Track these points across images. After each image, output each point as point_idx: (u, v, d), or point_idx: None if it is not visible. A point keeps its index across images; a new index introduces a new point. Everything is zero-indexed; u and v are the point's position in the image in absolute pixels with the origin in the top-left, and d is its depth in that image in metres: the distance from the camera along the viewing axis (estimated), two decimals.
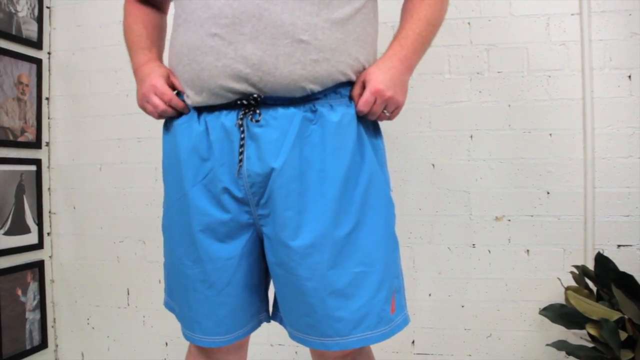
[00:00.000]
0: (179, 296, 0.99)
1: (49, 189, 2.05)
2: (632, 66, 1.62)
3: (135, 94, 1.01)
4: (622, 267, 1.42)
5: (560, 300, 1.54)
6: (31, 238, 1.94)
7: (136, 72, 1.01)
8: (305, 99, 0.87)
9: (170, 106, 0.94)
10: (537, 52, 1.68)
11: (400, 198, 1.75)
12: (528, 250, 1.69)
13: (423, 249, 1.76)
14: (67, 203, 2.04)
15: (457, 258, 1.74)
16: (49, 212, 2.05)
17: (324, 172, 0.87)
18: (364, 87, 0.90)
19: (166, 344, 1.96)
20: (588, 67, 1.63)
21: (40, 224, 1.98)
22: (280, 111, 0.87)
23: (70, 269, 2.04)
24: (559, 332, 1.61)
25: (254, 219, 0.92)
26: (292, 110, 0.87)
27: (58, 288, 2.06)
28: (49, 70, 2.05)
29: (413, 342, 1.78)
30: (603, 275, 1.43)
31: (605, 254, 1.47)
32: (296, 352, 1.82)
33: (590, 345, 1.42)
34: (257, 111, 0.86)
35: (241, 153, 0.87)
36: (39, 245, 1.98)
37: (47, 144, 2.04)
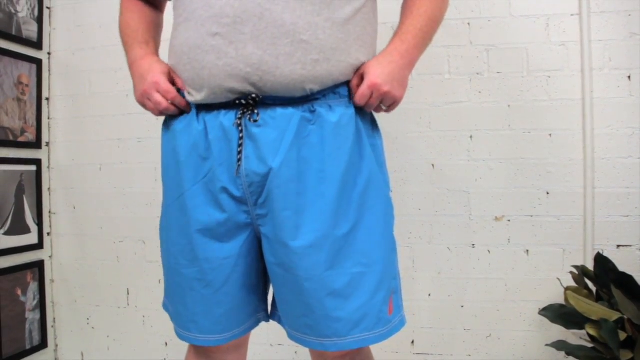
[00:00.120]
0: (175, 295, 0.99)
1: (49, 189, 2.05)
2: (632, 66, 1.62)
3: (134, 93, 1.00)
4: (621, 268, 1.42)
5: (560, 300, 1.54)
6: (31, 238, 1.94)
7: (132, 65, 1.00)
8: (304, 99, 0.87)
9: (172, 104, 0.94)
10: (537, 53, 1.68)
11: (400, 198, 1.75)
12: (528, 251, 1.70)
13: (423, 249, 1.76)
14: (67, 203, 2.04)
15: (456, 258, 1.74)
16: (49, 212, 2.05)
17: (322, 172, 0.87)
18: (362, 78, 0.90)
19: (166, 344, 1.96)
20: (588, 68, 1.63)
21: (40, 224, 1.99)
22: (279, 111, 0.87)
23: (70, 269, 2.05)
24: (559, 332, 1.61)
25: (252, 219, 0.92)
26: (290, 110, 0.87)
27: (58, 288, 2.06)
28: (49, 71, 2.05)
29: (413, 342, 1.78)
30: (602, 275, 1.43)
31: (605, 254, 1.47)
32: (296, 352, 1.83)
33: (590, 345, 1.42)
34: (256, 111, 0.87)
35: (240, 152, 0.87)
36: (39, 245, 1.98)
37: (47, 144, 2.05)
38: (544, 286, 1.68)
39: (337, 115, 0.88)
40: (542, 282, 1.68)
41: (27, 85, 1.93)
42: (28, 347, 1.90)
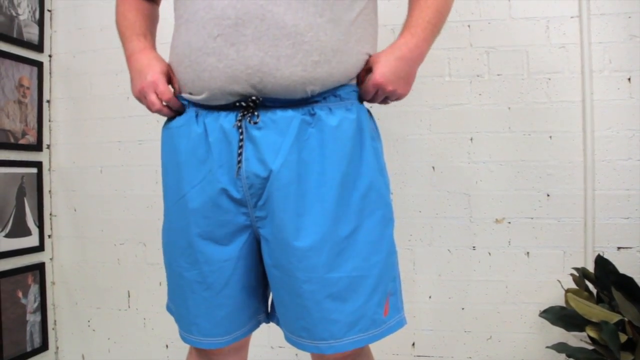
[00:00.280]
0: (177, 298, 0.99)
1: (49, 191, 2.05)
2: (632, 68, 1.62)
3: (131, 86, 0.99)
4: (622, 270, 1.42)
5: (561, 302, 1.54)
6: (32, 240, 1.94)
7: (130, 58, 0.99)
8: (304, 102, 0.87)
9: (167, 106, 0.94)
10: (537, 55, 1.68)
11: (401, 200, 1.75)
12: (528, 253, 1.69)
13: (423, 251, 1.76)
14: (67, 205, 2.05)
15: (457, 260, 1.74)
16: (50, 214, 2.05)
17: (322, 175, 0.87)
18: (368, 70, 0.91)
19: (167, 346, 1.96)
20: (588, 70, 1.64)
21: (41, 226, 1.99)
22: (279, 114, 0.87)
23: (70, 271, 2.05)
24: (559, 334, 1.61)
25: (251, 221, 0.92)
26: (290, 112, 0.87)
27: (59, 290, 2.06)
28: (50, 73, 2.05)
29: (413, 344, 1.78)
30: (603, 277, 1.43)
31: (605, 256, 1.47)
32: (296, 354, 1.83)
33: (590, 347, 1.42)
34: (256, 113, 0.87)
35: (240, 154, 0.87)
36: (40, 248, 1.98)
37: (48, 147, 2.05)
38: (544, 288, 1.68)
39: (337, 118, 0.88)
40: (543, 284, 1.68)
41: (28, 88, 1.93)
42: (29, 349, 1.90)
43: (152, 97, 0.93)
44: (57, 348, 2.07)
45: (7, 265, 1.83)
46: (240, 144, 0.87)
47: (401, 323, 0.96)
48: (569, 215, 1.66)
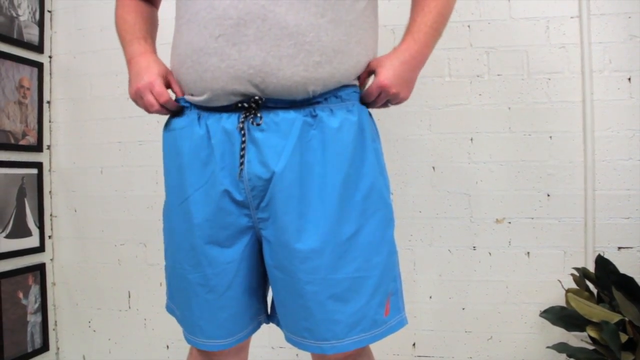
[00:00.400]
0: (180, 300, 1.00)
1: (50, 192, 2.05)
2: (632, 68, 1.62)
3: (128, 88, 0.99)
4: (622, 270, 1.42)
5: (561, 302, 1.54)
6: (32, 241, 1.94)
7: (131, 61, 0.99)
8: (306, 103, 0.88)
9: (163, 107, 0.94)
10: (537, 55, 1.68)
11: (401, 201, 1.75)
12: (528, 253, 1.69)
13: (424, 251, 1.76)
14: (68, 206, 2.05)
15: (457, 260, 1.74)
16: (50, 215, 2.05)
17: (324, 177, 0.87)
18: (369, 72, 0.92)
19: (167, 346, 1.96)
20: (588, 70, 1.64)
21: (41, 227, 1.99)
22: (281, 115, 0.87)
23: (71, 272, 2.05)
24: (560, 334, 1.61)
25: (253, 222, 0.92)
26: (292, 114, 0.87)
27: (59, 291, 2.07)
28: (50, 74, 2.05)
29: (414, 344, 1.78)
30: (603, 277, 1.43)
31: (606, 256, 1.47)
32: (297, 355, 1.83)
33: (591, 347, 1.42)
34: (259, 114, 0.87)
35: (242, 156, 0.87)
36: (40, 248, 1.98)
37: (49, 147, 2.05)
38: (544, 288, 1.68)
39: (338, 120, 0.88)
40: (543, 284, 1.68)
41: (28, 89, 1.93)
42: (29, 350, 1.90)
43: (149, 98, 0.93)
44: (58, 349, 2.07)
45: (8, 266, 1.83)
46: (242, 146, 0.87)
47: (402, 323, 0.97)
48: (570, 215, 1.66)
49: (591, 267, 1.56)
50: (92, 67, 2.01)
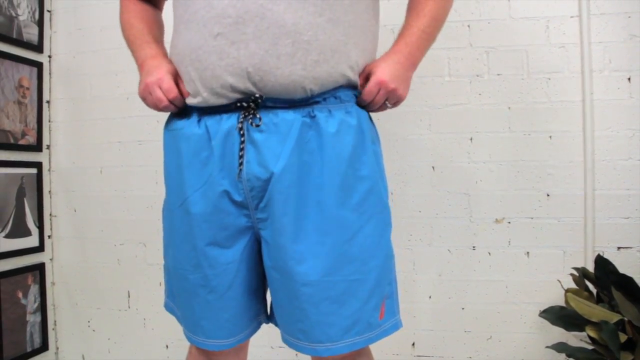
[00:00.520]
0: (181, 300, 1.00)
1: (49, 191, 2.05)
2: (632, 68, 1.62)
3: (137, 88, 0.99)
4: (622, 269, 1.42)
5: (560, 302, 1.54)
6: (32, 241, 1.94)
7: (143, 65, 0.99)
8: (304, 102, 0.87)
9: (172, 103, 0.94)
10: (537, 55, 1.68)
11: (401, 200, 1.75)
12: (528, 253, 1.69)
13: (423, 251, 1.76)
14: (67, 206, 2.05)
15: (457, 260, 1.74)
16: (50, 214, 2.05)
17: (322, 179, 0.87)
18: (367, 78, 0.92)
19: (167, 346, 1.96)
20: (588, 70, 1.63)
21: (41, 227, 1.99)
22: (280, 116, 0.87)
23: (71, 272, 2.05)
24: (559, 334, 1.60)
25: (252, 223, 0.92)
26: (291, 115, 0.87)
27: (59, 290, 2.07)
28: (50, 74, 2.05)
29: (413, 344, 1.78)
30: (603, 277, 1.43)
31: (605, 256, 1.47)
32: (296, 355, 1.82)
33: (590, 347, 1.42)
34: (257, 115, 0.87)
35: (241, 157, 0.87)
36: (40, 248, 1.98)
37: (48, 147, 2.05)
38: (544, 288, 1.68)
39: (336, 121, 0.88)
40: (543, 284, 1.68)
41: (27, 88, 1.93)
42: (29, 349, 1.90)
43: (158, 94, 0.93)
44: (57, 348, 2.07)
45: (7, 266, 1.83)
46: (241, 146, 0.87)
47: (396, 326, 0.97)
48: (569, 215, 1.66)
49: (591, 267, 1.56)
50: (92, 67, 2.01)
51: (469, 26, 1.72)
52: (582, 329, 1.39)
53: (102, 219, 2.01)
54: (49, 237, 2.05)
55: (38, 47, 1.98)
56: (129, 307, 2.00)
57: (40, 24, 1.99)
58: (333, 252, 0.87)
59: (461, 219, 1.73)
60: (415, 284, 1.76)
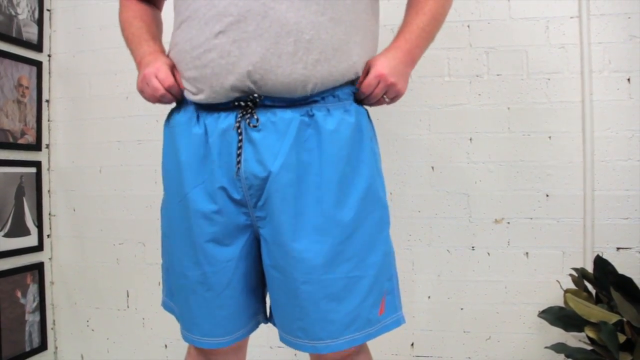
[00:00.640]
0: (178, 298, 1.00)
1: (48, 191, 2.05)
2: (631, 69, 1.62)
3: (136, 82, 0.99)
4: (621, 270, 1.42)
5: (559, 302, 1.54)
6: (31, 240, 1.94)
7: (141, 62, 1.00)
8: (303, 101, 0.88)
9: (169, 92, 0.94)
10: (537, 55, 1.68)
11: (400, 200, 1.75)
12: (527, 253, 1.69)
13: (422, 251, 1.76)
14: (67, 205, 2.04)
15: (456, 260, 1.74)
16: (49, 214, 2.05)
17: (320, 177, 0.87)
18: (367, 73, 0.93)
19: (166, 346, 1.96)
20: (587, 70, 1.63)
21: (40, 226, 1.99)
22: (279, 115, 0.87)
23: (70, 271, 2.05)
24: (558, 334, 1.61)
25: (251, 221, 0.92)
26: (290, 113, 0.87)
27: (58, 290, 2.06)
28: (49, 73, 2.05)
29: (412, 344, 1.78)
30: (602, 277, 1.43)
31: (605, 256, 1.47)
32: (295, 354, 1.82)
33: (589, 347, 1.42)
34: (255, 116, 0.87)
35: (239, 155, 0.87)
36: (39, 247, 1.98)
37: (47, 146, 2.05)
38: (543, 288, 1.68)
39: (334, 120, 0.89)
40: (542, 284, 1.68)
41: (27, 88, 1.93)
42: (28, 349, 1.90)
43: (155, 83, 0.93)
44: (56, 348, 2.07)
45: (6, 265, 1.83)
46: (239, 145, 0.87)
47: (398, 322, 0.97)
48: (568, 216, 1.66)
49: (590, 268, 1.56)
50: (91, 66, 2.01)
51: (468, 26, 1.72)
52: (581, 330, 1.39)
53: (101, 219, 2.01)
54: (48, 236, 2.05)
55: (37, 46, 1.98)
56: (128, 307, 2.00)
57: (39, 23, 1.99)
58: (332, 251, 0.88)
59: (460, 219, 1.73)
60: (414, 284, 1.76)
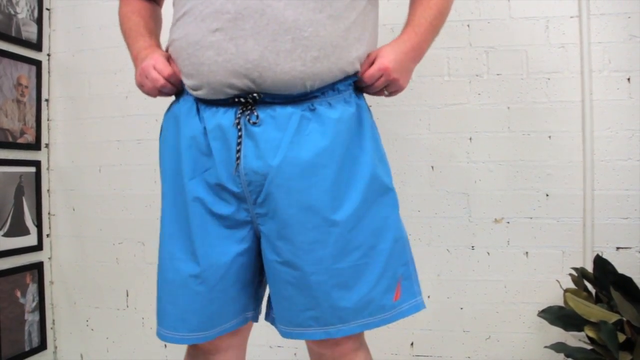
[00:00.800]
0: (165, 293, 0.96)
1: (48, 190, 2.05)
2: (631, 69, 1.62)
3: (134, 78, 0.99)
4: (620, 270, 1.42)
5: (559, 302, 1.54)
6: (30, 239, 1.94)
7: (137, 56, 0.99)
8: (303, 97, 0.88)
9: (168, 82, 0.94)
10: (537, 55, 1.68)
11: (400, 200, 1.74)
12: (527, 253, 1.69)
13: (422, 250, 1.76)
14: (66, 204, 2.04)
15: (456, 260, 1.74)
16: (48, 213, 2.05)
17: (324, 169, 0.87)
18: (370, 63, 0.93)
19: (165, 345, 1.96)
20: (587, 70, 1.63)
21: (39, 226, 1.98)
22: (279, 110, 0.87)
23: (69, 271, 2.04)
24: (558, 334, 1.60)
25: (251, 217, 0.92)
26: (289, 109, 0.88)
27: (57, 289, 2.06)
28: (49, 72, 2.05)
29: (412, 344, 1.78)
30: (602, 277, 1.43)
31: (604, 256, 1.47)
32: (295, 354, 1.82)
33: (589, 347, 1.42)
34: (255, 112, 0.87)
35: (238, 151, 0.87)
36: (38, 247, 1.98)
37: (47, 146, 2.04)
38: (543, 288, 1.68)
39: (337, 112, 0.89)
40: (542, 284, 1.68)
41: (26, 87, 1.93)
42: (27, 348, 1.90)
43: (154, 74, 0.93)
44: (56, 347, 2.07)
45: (6, 265, 1.82)
46: (238, 141, 0.87)
47: (417, 307, 0.97)
48: (568, 215, 1.66)
49: (589, 267, 1.56)
50: (91, 66, 2.01)
51: (468, 26, 1.72)
52: (580, 329, 1.39)
53: (100, 218, 2.01)
54: (48, 235, 2.04)
55: (37, 46, 1.98)
56: (128, 306, 1.99)
57: (39, 22, 1.99)
58: (339, 241, 0.88)
59: (460, 218, 1.73)
60: None
